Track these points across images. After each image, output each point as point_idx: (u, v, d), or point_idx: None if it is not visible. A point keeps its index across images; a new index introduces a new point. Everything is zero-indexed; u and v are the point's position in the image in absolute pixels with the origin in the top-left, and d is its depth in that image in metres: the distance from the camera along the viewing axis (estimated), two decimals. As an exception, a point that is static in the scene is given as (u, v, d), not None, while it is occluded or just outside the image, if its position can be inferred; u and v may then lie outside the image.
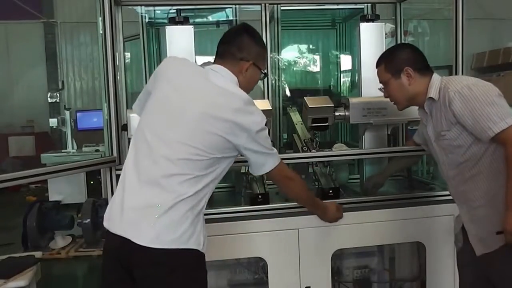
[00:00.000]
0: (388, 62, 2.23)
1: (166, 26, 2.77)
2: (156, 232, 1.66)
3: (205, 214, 2.42)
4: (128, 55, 3.42)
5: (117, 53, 2.42)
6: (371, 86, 2.82)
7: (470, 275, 2.18)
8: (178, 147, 1.72)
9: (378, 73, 2.28)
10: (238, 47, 1.91)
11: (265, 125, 1.85)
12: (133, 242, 1.67)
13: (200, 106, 1.75)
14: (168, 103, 1.78)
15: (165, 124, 1.76)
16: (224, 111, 1.74)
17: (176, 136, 1.73)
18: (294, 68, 4.91)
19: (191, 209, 1.72)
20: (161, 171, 1.71)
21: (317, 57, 4.92)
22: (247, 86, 1.95)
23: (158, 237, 1.66)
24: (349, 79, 4.14)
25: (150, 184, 1.71)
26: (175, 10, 2.86)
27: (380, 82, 2.29)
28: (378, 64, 2.28)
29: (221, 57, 1.93)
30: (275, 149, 1.95)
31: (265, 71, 2.03)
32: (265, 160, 1.90)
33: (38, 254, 3.15)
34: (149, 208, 1.69)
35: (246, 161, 2.70)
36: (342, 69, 4.27)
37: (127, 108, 2.75)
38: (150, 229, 1.67)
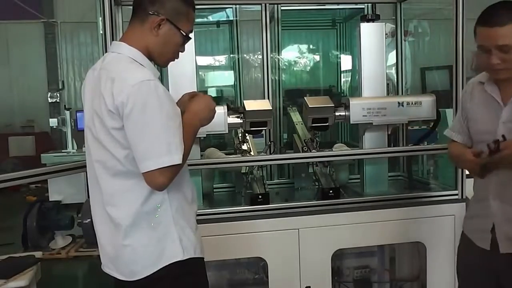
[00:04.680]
0: None
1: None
2: (129, 267, 1.64)
3: (206, 214, 2.45)
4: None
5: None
6: (372, 86, 2.83)
7: (479, 279, 2.02)
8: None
9: (498, 34, 1.81)
10: None
11: None
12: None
13: None
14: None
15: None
16: None
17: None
18: (294, 68, 4.91)
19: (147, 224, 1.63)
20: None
21: (317, 57, 4.94)
22: (161, 50, 1.67)
23: (132, 271, 1.64)
24: (350, 79, 4.14)
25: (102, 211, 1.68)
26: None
27: (497, 46, 1.81)
28: (502, 22, 1.80)
29: (133, 11, 1.68)
30: None
31: (187, 33, 1.68)
32: None
33: (38, 254, 3.15)
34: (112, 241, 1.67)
35: (246, 161, 2.72)
36: (342, 69, 4.28)
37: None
38: (123, 265, 1.65)
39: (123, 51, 1.64)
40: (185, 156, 1.59)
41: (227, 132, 2.58)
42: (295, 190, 3.07)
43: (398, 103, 2.71)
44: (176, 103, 1.72)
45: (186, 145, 1.60)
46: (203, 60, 4.88)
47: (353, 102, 2.69)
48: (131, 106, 1.50)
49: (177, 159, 1.54)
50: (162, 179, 1.54)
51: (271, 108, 2.63)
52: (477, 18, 1.85)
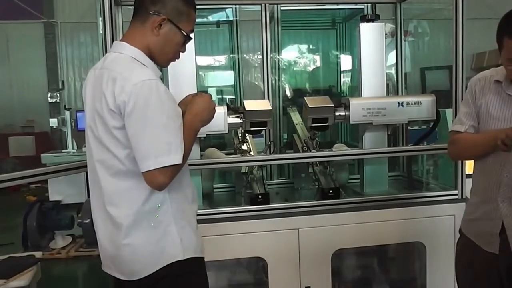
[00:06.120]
0: None
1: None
2: (129, 266, 1.65)
3: (206, 214, 2.45)
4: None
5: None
6: (372, 86, 2.83)
7: (483, 283, 1.98)
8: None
9: None
10: None
11: None
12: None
13: None
14: None
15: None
16: None
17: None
18: (294, 68, 4.91)
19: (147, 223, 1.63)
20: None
21: (317, 57, 4.93)
22: (162, 49, 1.67)
23: (132, 270, 1.65)
24: (349, 79, 4.14)
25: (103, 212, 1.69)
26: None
27: None
28: None
29: (134, 11, 1.69)
30: None
31: (188, 33, 1.69)
32: None
33: (38, 254, 3.14)
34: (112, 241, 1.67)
35: (246, 161, 2.72)
36: (342, 69, 4.27)
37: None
38: (123, 265, 1.66)
39: (125, 51, 1.64)
40: (186, 156, 1.59)
41: (227, 132, 2.58)
42: (295, 190, 3.07)
43: (398, 103, 2.72)
44: (179, 104, 1.72)
45: (187, 146, 1.60)
46: (203, 60, 4.88)
47: (353, 102, 2.70)
48: (132, 105, 1.51)
49: (177, 159, 1.54)
50: (162, 179, 1.54)
51: (271, 108, 2.64)
52: (500, 27, 1.77)
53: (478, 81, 1.98)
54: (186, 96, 1.82)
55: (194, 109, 1.70)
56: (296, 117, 3.10)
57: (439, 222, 2.64)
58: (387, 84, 2.94)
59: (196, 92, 2.53)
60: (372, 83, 2.83)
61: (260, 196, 2.58)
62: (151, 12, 1.63)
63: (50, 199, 5.75)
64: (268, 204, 2.57)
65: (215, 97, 5.00)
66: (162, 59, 1.71)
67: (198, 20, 1.77)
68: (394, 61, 3.37)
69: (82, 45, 9.68)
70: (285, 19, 3.56)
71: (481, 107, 1.93)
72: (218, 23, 4.12)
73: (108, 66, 1.62)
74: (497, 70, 1.96)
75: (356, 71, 3.25)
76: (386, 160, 2.88)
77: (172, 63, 1.77)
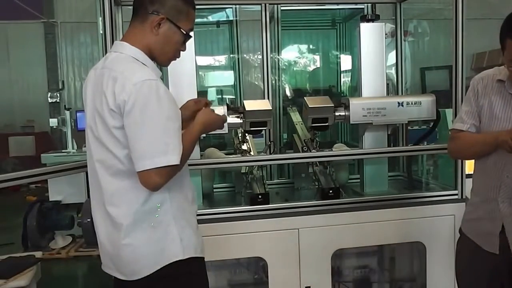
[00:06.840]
0: None
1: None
2: (129, 266, 1.65)
3: (206, 214, 2.45)
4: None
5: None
6: (371, 86, 2.83)
7: (484, 283, 1.98)
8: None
9: None
10: None
11: None
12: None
13: None
14: None
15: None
16: None
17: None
18: (294, 68, 4.91)
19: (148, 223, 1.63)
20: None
21: (317, 57, 4.93)
22: (162, 49, 1.68)
23: (132, 270, 1.65)
24: (349, 79, 4.14)
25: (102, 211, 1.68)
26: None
27: None
28: None
29: (134, 11, 1.70)
30: None
31: (187, 31, 1.69)
32: None
33: (38, 254, 3.14)
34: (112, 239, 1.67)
35: (246, 161, 2.72)
36: (342, 69, 4.27)
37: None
38: (123, 265, 1.66)
39: (125, 50, 1.65)
40: (184, 159, 1.59)
41: (227, 132, 2.58)
42: (295, 190, 3.07)
43: (398, 103, 2.72)
44: (180, 108, 1.73)
45: (186, 149, 1.60)
46: (203, 60, 4.88)
47: (353, 102, 2.70)
48: (131, 104, 1.51)
49: (174, 160, 1.54)
50: (158, 179, 1.54)
51: (271, 108, 2.64)
52: (503, 28, 1.77)
53: (481, 80, 1.97)
54: (188, 101, 1.83)
55: (200, 119, 1.73)
56: (296, 117, 3.10)
57: (439, 222, 2.64)
58: (387, 84, 2.94)
59: (196, 93, 2.54)
60: (372, 83, 2.83)
61: (260, 196, 2.58)
62: (150, 12, 1.64)
63: (50, 199, 5.75)
64: (268, 204, 2.57)
65: (215, 97, 5.01)
66: (162, 58, 1.72)
67: (198, 20, 1.77)
68: (394, 61, 3.37)
69: (82, 45, 9.68)
70: (285, 19, 3.56)
71: (484, 107, 1.92)
72: (218, 23, 4.12)
73: (109, 66, 1.62)
74: (500, 69, 1.96)
75: (356, 71, 3.25)
76: (386, 160, 2.88)
77: (172, 62, 1.77)
